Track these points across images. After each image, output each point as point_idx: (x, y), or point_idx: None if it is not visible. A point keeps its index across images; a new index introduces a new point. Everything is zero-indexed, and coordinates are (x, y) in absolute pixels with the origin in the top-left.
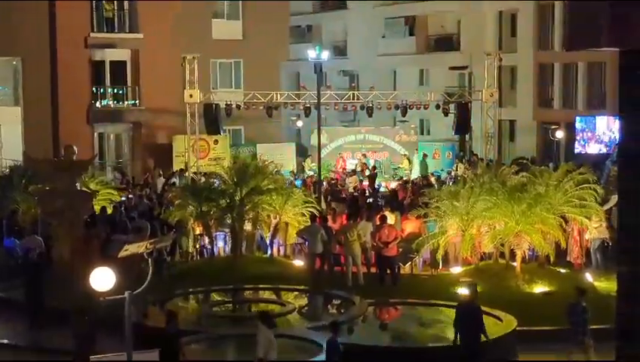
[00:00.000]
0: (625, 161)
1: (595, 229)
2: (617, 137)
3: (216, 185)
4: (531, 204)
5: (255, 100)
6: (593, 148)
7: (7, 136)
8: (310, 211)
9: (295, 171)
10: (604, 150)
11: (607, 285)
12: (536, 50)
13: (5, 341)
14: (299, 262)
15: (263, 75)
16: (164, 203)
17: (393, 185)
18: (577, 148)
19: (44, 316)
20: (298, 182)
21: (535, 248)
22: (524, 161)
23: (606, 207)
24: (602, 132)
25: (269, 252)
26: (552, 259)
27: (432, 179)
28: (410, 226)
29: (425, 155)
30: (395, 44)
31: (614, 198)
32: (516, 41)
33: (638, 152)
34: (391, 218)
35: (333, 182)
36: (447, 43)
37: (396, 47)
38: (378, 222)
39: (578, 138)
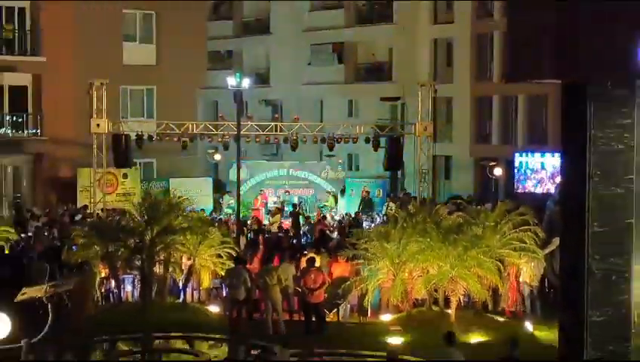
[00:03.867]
0: (566, 202)
1: (530, 273)
2: (559, 176)
3: (123, 223)
4: (467, 247)
5: (169, 131)
6: (534, 187)
7: None
8: (228, 252)
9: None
10: (545, 189)
11: (547, 334)
12: (473, 81)
13: None
14: (214, 308)
15: (177, 103)
16: (66, 242)
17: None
18: (517, 187)
19: None
20: None
21: (471, 294)
22: (460, 200)
23: (547, 250)
24: (543, 169)
25: (182, 297)
26: (489, 305)
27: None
28: (339, 269)
29: (368, 192)
30: (322, 73)
31: (556, 241)
32: (452, 72)
33: (581, 194)
34: (317, 260)
35: (252, 220)
36: (378, 72)
37: (323, 76)
38: (305, 265)
39: (517, 176)
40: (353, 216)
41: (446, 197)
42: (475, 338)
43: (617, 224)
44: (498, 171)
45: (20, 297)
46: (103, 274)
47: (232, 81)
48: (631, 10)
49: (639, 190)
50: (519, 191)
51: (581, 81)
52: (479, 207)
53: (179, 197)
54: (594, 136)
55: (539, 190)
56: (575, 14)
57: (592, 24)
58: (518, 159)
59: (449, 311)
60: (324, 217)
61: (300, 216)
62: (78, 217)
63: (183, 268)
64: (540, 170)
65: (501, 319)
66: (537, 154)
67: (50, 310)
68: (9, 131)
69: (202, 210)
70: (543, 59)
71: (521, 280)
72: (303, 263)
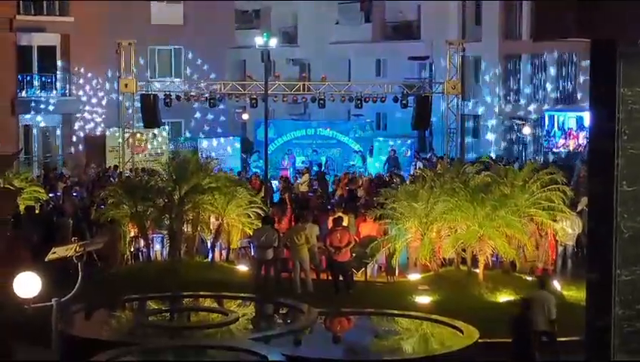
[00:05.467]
0: (594, 160)
1: (561, 232)
2: (588, 134)
3: (152, 183)
4: (495, 206)
5: (197, 91)
6: (563, 146)
7: None
8: (256, 212)
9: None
10: (575, 148)
11: (576, 293)
12: (502, 39)
13: None
14: (243, 268)
15: (205, 63)
16: (96, 201)
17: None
18: (546, 146)
19: None
20: None
21: (499, 253)
22: (489, 160)
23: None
24: (573, 128)
25: (211, 256)
26: (517, 265)
27: (398, 179)
28: (367, 229)
29: (394, 151)
30: (350, 32)
31: (584, 200)
32: (481, 30)
33: (609, 153)
34: (345, 220)
35: (283, 180)
36: (406, 31)
37: (351, 35)
38: (332, 224)
39: (546, 135)
40: (382, 175)
41: (474, 156)
42: (504, 297)
43: None
44: (527, 130)
45: (50, 256)
46: (132, 234)
47: (259, 40)
48: None
49: None
50: (548, 150)
51: (610, 39)
52: (507, 166)
53: (207, 157)
54: (623, 94)
55: (568, 149)
56: None
57: None
58: (547, 118)
59: (477, 270)
60: (354, 177)
61: (326, 176)
62: (107, 177)
63: (212, 227)
64: (569, 130)
65: (529, 278)
66: (567, 113)
67: (79, 269)
68: (38, 91)
69: (231, 169)
70: (572, 17)
71: (559, 238)
72: (331, 223)
